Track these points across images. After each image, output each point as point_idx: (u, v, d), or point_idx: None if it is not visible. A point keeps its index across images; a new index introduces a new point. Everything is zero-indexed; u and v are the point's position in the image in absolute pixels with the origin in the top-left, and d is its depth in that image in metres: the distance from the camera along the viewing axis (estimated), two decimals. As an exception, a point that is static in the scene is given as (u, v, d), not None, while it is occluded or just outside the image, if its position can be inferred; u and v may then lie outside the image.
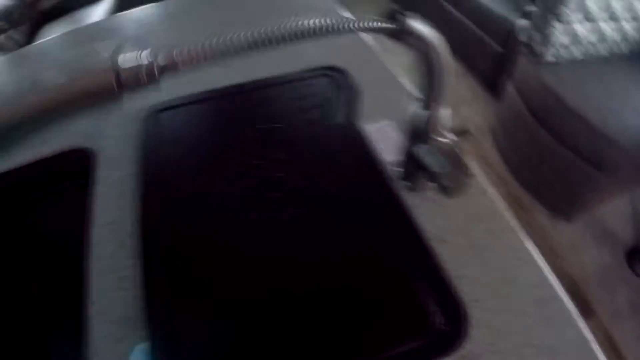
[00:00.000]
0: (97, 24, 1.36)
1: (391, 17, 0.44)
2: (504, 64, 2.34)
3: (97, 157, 0.82)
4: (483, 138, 2.33)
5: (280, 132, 0.82)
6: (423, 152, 0.60)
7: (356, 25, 0.41)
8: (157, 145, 0.82)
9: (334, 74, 0.93)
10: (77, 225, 0.73)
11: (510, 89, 2.11)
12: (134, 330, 0.58)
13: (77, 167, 0.85)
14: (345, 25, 0.41)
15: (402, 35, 0.45)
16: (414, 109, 0.60)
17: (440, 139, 0.59)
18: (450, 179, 0.56)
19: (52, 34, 1.94)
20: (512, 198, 2.05)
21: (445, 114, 0.59)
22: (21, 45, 2.20)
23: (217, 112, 0.90)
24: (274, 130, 0.83)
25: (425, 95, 0.57)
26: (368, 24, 0.42)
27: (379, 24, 0.43)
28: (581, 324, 0.58)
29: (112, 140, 0.85)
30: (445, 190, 0.58)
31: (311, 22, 0.38)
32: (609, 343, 1.62)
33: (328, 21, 0.40)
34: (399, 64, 0.98)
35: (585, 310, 1.70)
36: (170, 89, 0.94)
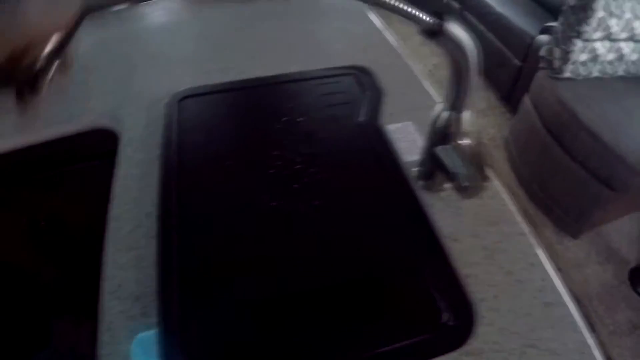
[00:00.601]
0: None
1: (437, 14, 0.46)
2: (521, 78, 2.36)
3: (121, 139, 0.84)
4: (496, 149, 2.34)
5: (303, 126, 0.85)
6: (444, 152, 0.62)
7: (400, 6, 0.43)
8: (182, 130, 0.84)
9: (360, 74, 0.96)
10: (100, 202, 0.75)
11: (526, 102, 2.12)
12: (145, 308, 0.59)
13: (101, 146, 0.87)
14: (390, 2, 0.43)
15: (439, 34, 0.47)
16: (438, 110, 0.62)
17: (462, 141, 0.61)
18: (469, 180, 0.58)
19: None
20: (520, 211, 2.06)
21: (468, 117, 0.61)
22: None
23: (243, 102, 0.93)
24: (297, 123, 0.85)
25: (451, 98, 0.59)
26: (412, 10, 0.44)
27: (422, 15, 0.45)
28: (585, 330, 0.60)
29: (137, 123, 0.87)
30: (463, 191, 0.59)
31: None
32: (607, 361, 1.63)
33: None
34: (424, 68, 1.01)
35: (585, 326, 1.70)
36: (198, 77, 0.97)
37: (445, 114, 0.61)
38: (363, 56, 1.01)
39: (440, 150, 0.63)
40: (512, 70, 2.43)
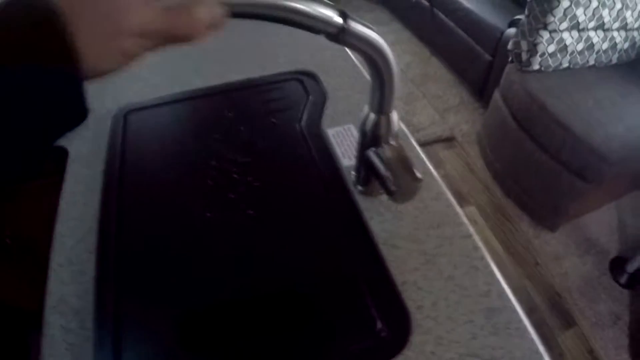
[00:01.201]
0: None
1: (341, 13, 0.43)
2: (492, 72, 2.35)
3: (69, 155, 0.83)
4: (469, 145, 2.33)
5: (243, 135, 0.82)
6: (375, 156, 0.60)
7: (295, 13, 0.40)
8: (126, 144, 0.83)
9: (304, 78, 0.93)
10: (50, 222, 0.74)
11: (496, 96, 2.11)
12: (83, 322, 0.59)
13: (59, 163, 0.85)
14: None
15: (344, 36, 0.44)
16: (366, 112, 0.60)
17: (389, 143, 0.58)
18: (397, 183, 0.55)
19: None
20: (496, 206, 2.04)
21: (395, 117, 0.59)
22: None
23: (186, 114, 0.90)
24: (237, 132, 0.83)
25: (376, 99, 0.57)
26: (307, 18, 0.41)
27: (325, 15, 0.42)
28: (534, 337, 0.57)
29: (84, 139, 0.86)
30: (393, 195, 0.57)
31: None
32: (590, 355, 1.61)
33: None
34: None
35: (567, 319, 1.69)
36: (143, 91, 0.95)
37: (372, 116, 0.59)
38: (310, 61, 0.99)
39: (371, 154, 0.60)
40: (483, 65, 2.42)
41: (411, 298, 0.58)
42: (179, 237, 0.68)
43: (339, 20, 0.43)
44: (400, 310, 0.57)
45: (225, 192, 0.72)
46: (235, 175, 0.74)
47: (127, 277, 0.63)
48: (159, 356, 0.56)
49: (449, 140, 2.36)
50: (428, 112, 2.51)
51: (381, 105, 0.57)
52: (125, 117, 0.89)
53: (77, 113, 0.33)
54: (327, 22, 0.43)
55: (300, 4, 0.41)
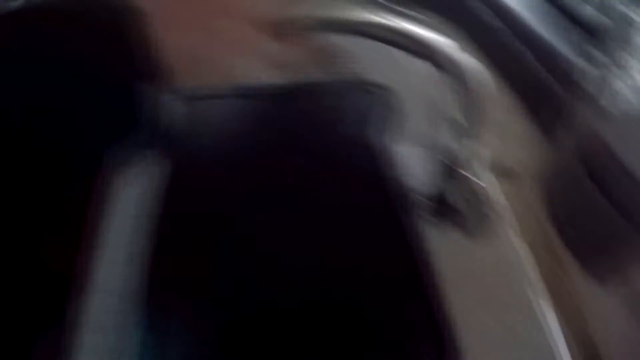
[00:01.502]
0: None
1: None
2: (562, 107, 2.25)
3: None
4: (529, 181, 2.24)
5: (307, 139, 0.80)
6: (450, 186, 0.56)
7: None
8: (183, 134, 0.82)
9: (377, 90, 0.90)
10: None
11: (565, 136, 2.02)
12: (130, 305, 0.58)
13: None
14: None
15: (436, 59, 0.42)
16: (449, 139, 0.56)
17: (470, 175, 0.55)
18: (473, 219, 0.52)
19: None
20: (547, 249, 1.95)
21: (481, 148, 0.55)
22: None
23: (248, 109, 0.89)
24: (298, 135, 0.81)
25: (462, 127, 0.53)
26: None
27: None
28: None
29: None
30: (465, 229, 0.54)
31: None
32: None
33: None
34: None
35: (603, 384, 1.59)
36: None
37: (455, 144, 0.55)
38: (387, 72, 0.94)
39: (446, 183, 0.57)
40: (552, 97, 2.32)
41: (464, 342, 0.54)
42: (231, 235, 0.67)
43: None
44: (449, 353, 0.53)
45: (281, 195, 0.71)
46: (295, 181, 0.72)
47: (180, 270, 0.62)
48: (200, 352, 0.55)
49: (508, 173, 2.28)
50: (491, 141, 2.44)
51: (466, 130, 0.53)
52: (186, 104, 0.87)
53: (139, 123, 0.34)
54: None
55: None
